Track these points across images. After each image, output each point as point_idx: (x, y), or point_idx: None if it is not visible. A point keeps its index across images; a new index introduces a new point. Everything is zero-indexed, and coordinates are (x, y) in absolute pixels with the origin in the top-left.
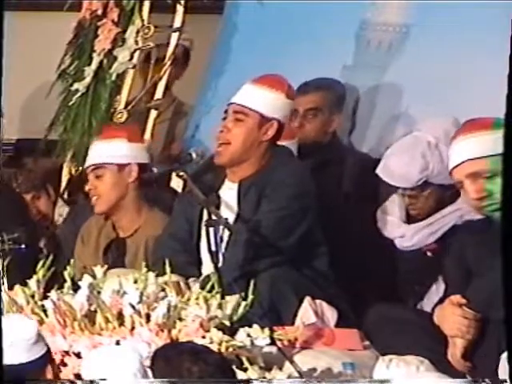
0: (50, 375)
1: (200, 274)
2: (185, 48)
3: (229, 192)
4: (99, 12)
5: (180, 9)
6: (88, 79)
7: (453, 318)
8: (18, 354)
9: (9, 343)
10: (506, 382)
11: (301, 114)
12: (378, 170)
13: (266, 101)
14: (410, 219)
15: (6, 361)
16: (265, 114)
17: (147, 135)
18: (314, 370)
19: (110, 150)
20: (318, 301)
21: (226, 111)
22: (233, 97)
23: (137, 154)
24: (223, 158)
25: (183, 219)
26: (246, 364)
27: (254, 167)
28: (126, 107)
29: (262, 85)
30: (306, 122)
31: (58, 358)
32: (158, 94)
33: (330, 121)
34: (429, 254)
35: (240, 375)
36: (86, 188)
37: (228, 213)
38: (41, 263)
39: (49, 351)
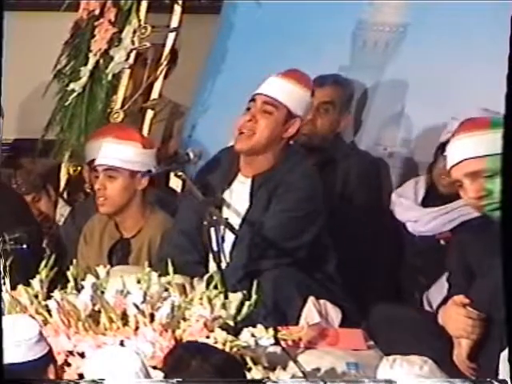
0: (52, 375)
1: (207, 272)
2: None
3: (241, 186)
4: (96, 12)
5: (178, 9)
6: (84, 79)
7: (457, 319)
8: (19, 353)
9: (14, 343)
10: (506, 382)
11: (314, 107)
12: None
13: (293, 96)
14: (425, 203)
15: (8, 360)
16: (291, 110)
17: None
18: (318, 369)
19: (125, 155)
20: (321, 301)
21: (252, 100)
22: (259, 87)
23: (148, 162)
24: (244, 146)
25: (191, 213)
26: (250, 364)
27: (269, 163)
28: (122, 107)
29: (290, 79)
30: (318, 115)
31: (61, 358)
32: (154, 94)
33: (340, 119)
34: (442, 242)
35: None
36: (95, 186)
37: (238, 207)
38: (43, 263)
39: (50, 351)
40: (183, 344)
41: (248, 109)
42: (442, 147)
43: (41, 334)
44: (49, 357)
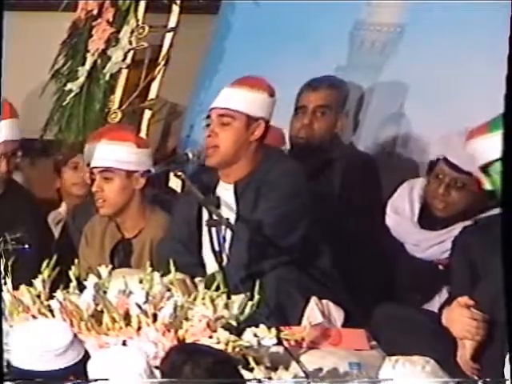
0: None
1: (205, 274)
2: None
3: (225, 192)
4: (94, 12)
5: (176, 9)
6: (82, 79)
7: (461, 320)
8: (47, 361)
9: (39, 353)
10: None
11: (310, 111)
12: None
13: (249, 101)
14: (422, 217)
15: (37, 367)
16: (251, 115)
17: (142, 135)
18: (321, 369)
19: (119, 155)
20: (324, 301)
21: (208, 116)
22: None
23: (144, 161)
24: (213, 160)
25: (182, 221)
26: (253, 364)
27: (247, 168)
28: (120, 107)
29: (243, 86)
30: (314, 119)
31: None
32: (152, 94)
33: (336, 120)
34: (440, 267)
35: (246, 375)
36: (93, 189)
37: (227, 213)
38: (45, 263)
39: (84, 357)
40: (175, 349)
41: (207, 125)
42: (431, 166)
43: (72, 342)
44: (80, 364)
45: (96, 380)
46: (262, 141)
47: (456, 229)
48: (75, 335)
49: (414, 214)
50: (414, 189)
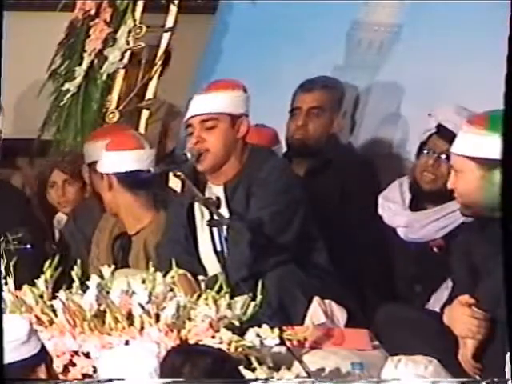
0: (43, 375)
1: (206, 274)
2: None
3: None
4: (92, 12)
5: (173, 9)
6: (79, 79)
7: (463, 319)
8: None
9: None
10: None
11: (304, 112)
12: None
13: (228, 101)
14: (413, 205)
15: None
16: (233, 113)
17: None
18: (323, 370)
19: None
20: (327, 301)
21: (188, 126)
22: (188, 111)
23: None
24: (206, 165)
25: (177, 224)
26: (255, 364)
27: (236, 168)
28: (117, 107)
29: (216, 89)
30: (309, 120)
31: (67, 357)
32: (149, 94)
33: (332, 121)
34: (435, 249)
35: (248, 375)
36: None
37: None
38: (48, 263)
39: (41, 351)
40: (174, 350)
41: (190, 134)
42: (422, 146)
43: (30, 334)
44: (39, 357)
45: (111, 380)
46: (246, 138)
47: (447, 207)
48: (31, 326)
49: (405, 201)
50: (404, 183)
